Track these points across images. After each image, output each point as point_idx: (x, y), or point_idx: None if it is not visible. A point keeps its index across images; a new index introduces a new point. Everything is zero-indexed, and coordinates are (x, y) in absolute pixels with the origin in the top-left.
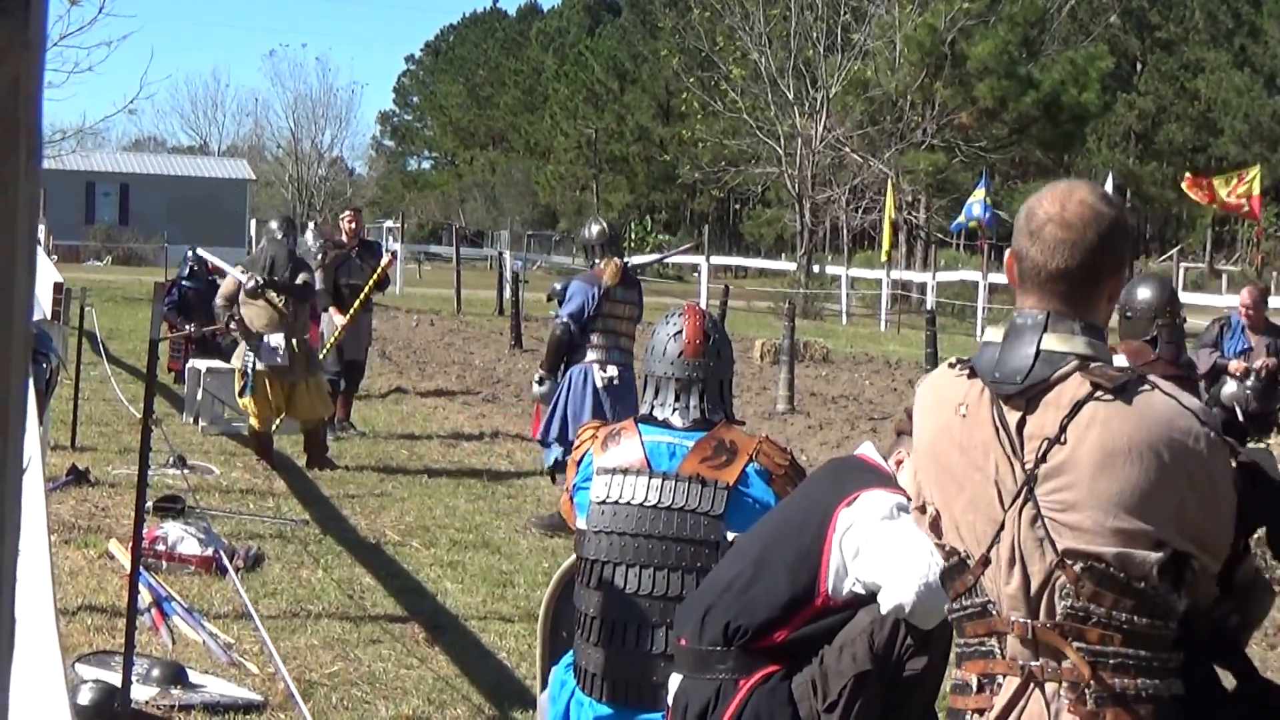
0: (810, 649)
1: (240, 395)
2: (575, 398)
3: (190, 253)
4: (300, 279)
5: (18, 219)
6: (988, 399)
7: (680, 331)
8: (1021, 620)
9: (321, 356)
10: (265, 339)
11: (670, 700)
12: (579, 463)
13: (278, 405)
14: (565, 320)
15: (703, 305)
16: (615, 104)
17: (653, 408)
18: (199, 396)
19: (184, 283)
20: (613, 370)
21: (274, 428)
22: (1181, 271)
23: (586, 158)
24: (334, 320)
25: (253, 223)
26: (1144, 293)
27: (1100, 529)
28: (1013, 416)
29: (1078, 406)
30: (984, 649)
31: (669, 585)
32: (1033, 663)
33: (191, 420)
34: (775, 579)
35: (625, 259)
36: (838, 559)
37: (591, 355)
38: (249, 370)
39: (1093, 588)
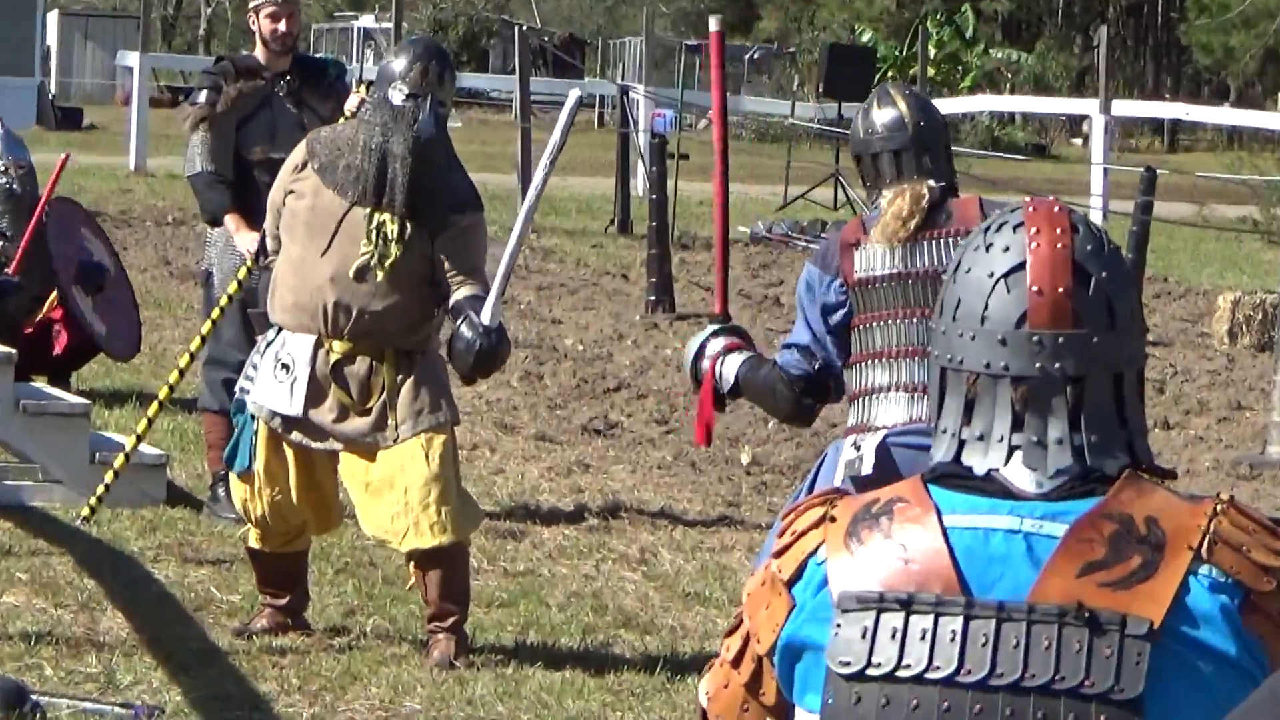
0: None
1: (228, 464)
2: (826, 471)
3: None
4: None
5: None
6: None
7: (1020, 266)
8: None
9: (203, 333)
10: (282, 344)
11: None
12: (792, 582)
13: (296, 500)
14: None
15: (1076, 208)
16: None
17: (961, 445)
18: None
19: None
20: (869, 448)
21: (290, 545)
22: None
23: None
24: (238, 243)
25: (52, 17)
26: None
27: None
28: None
29: None
30: None
31: None
32: None
33: None
34: None
35: (934, 182)
36: None
37: (851, 415)
38: (240, 408)
39: None
